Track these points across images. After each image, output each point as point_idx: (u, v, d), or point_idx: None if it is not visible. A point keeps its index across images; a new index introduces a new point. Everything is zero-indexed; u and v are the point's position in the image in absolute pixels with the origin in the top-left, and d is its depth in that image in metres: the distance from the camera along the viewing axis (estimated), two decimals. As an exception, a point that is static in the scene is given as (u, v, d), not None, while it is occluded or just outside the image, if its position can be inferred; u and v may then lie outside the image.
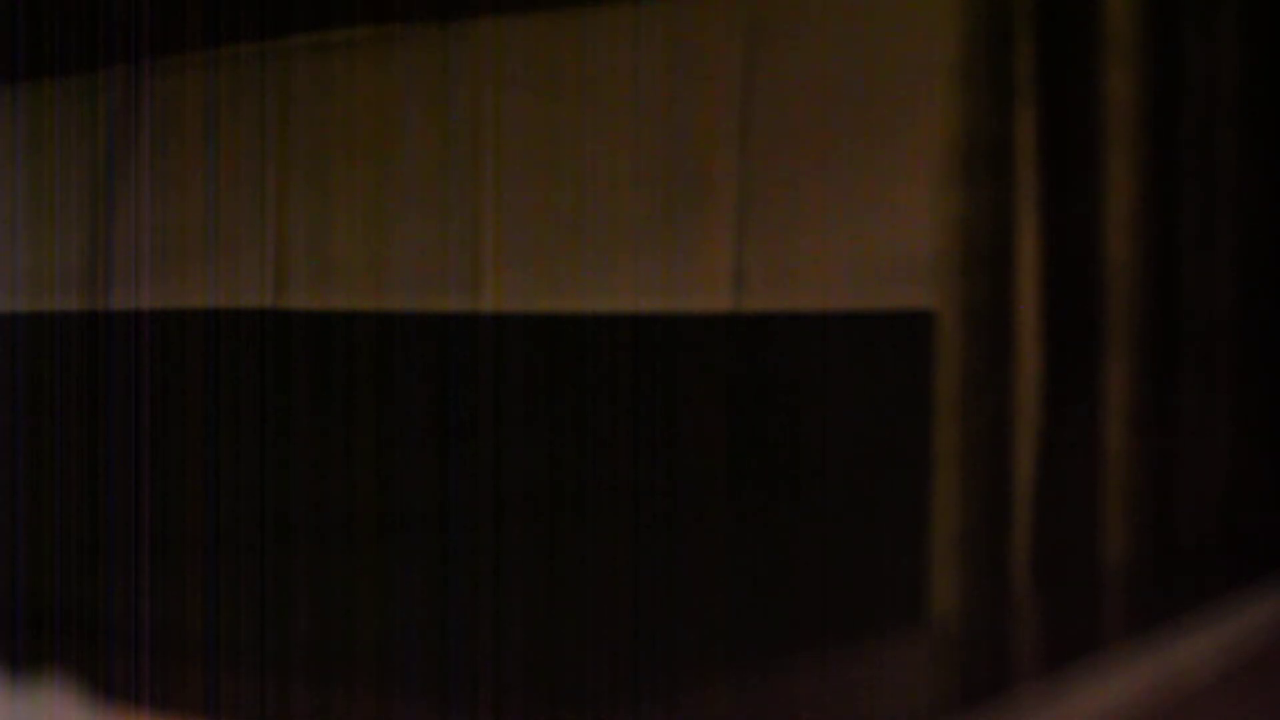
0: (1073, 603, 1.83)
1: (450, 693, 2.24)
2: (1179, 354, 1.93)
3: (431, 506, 2.30)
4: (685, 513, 2.10)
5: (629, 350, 2.15)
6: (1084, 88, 1.88)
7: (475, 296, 2.29)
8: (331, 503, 2.41)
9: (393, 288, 2.36)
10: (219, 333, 2.53)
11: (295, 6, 2.49)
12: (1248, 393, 2.00)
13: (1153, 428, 1.89)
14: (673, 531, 2.10)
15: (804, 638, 1.97)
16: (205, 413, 2.53)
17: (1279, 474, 2.03)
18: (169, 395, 2.57)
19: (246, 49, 2.53)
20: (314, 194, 2.45)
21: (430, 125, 2.33)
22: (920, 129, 1.93)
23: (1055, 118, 1.89)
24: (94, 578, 2.62)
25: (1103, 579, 1.86)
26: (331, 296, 2.43)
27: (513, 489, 2.24)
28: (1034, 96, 1.89)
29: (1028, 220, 1.89)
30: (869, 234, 1.99)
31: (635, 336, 2.15)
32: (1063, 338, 1.89)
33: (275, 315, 2.48)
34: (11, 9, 2.78)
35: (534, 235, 2.24)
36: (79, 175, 2.72)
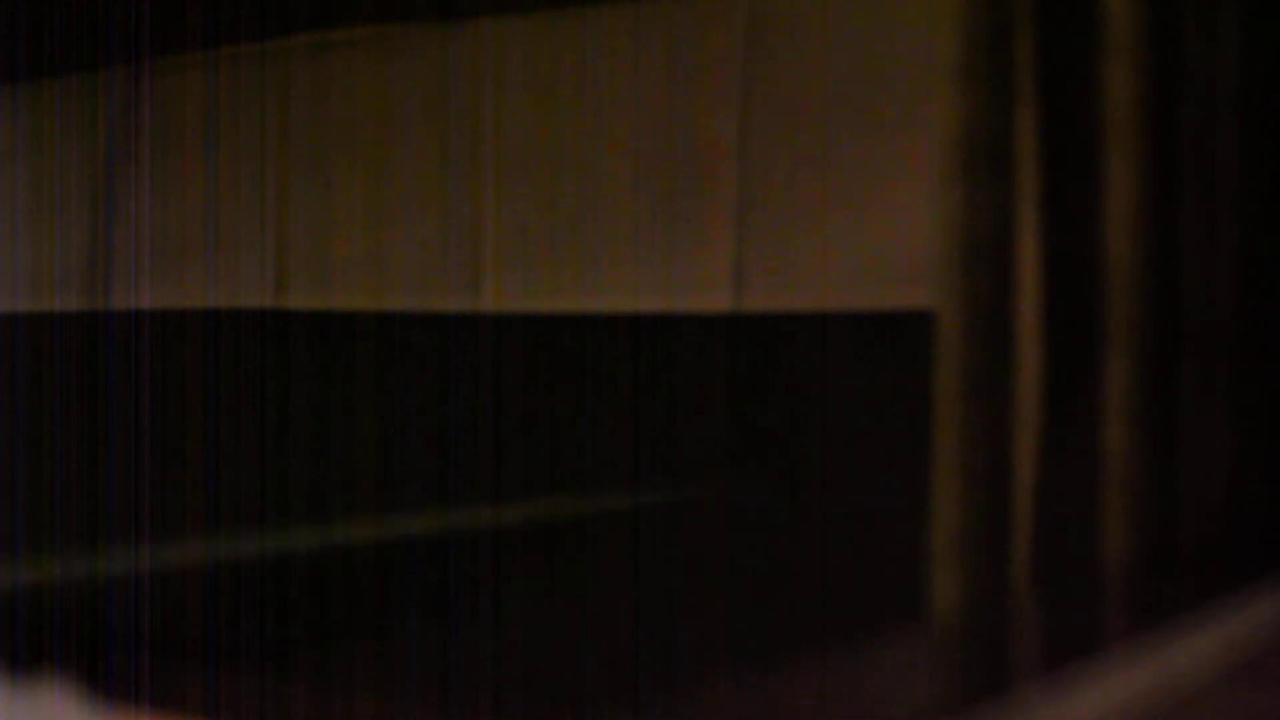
0: (1073, 602, 1.83)
1: (450, 693, 2.24)
2: (1179, 353, 1.93)
3: (432, 505, 2.30)
4: (685, 512, 2.09)
5: (629, 350, 2.15)
6: (1084, 87, 1.88)
7: (475, 296, 2.28)
8: (332, 502, 2.41)
9: (393, 288, 2.36)
10: (219, 333, 2.53)
11: (295, 6, 2.49)
12: (1248, 392, 2.00)
13: (1153, 427, 1.89)
14: (672, 530, 2.10)
15: (804, 637, 1.97)
16: (205, 412, 2.53)
17: (1279, 474, 2.03)
18: (169, 395, 2.57)
19: (246, 49, 2.53)
20: (314, 194, 2.45)
21: (430, 125, 2.33)
22: (920, 128, 1.93)
23: (1055, 117, 1.89)
24: (94, 577, 2.62)
25: (1103, 579, 1.85)
26: (331, 296, 2.43)
27: (513, 488, 2.24)
28: (1034, 96, 1.89)
29: (1028, 220, 1.89)
30: (869, 234, 1.99)
31: (635, 336, 2.15)
32: (1063, 338, 1.89)
33: (275, 315, 2.48)
34: (11, 9, 2.78)
35: (534, 235, 2.24)
36: (79, 175, 2.72)
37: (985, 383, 1.89)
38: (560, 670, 2.17)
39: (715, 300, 2.09)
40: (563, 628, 2.17)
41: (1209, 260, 1.96)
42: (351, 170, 2.41)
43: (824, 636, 1.96)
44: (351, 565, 2.38)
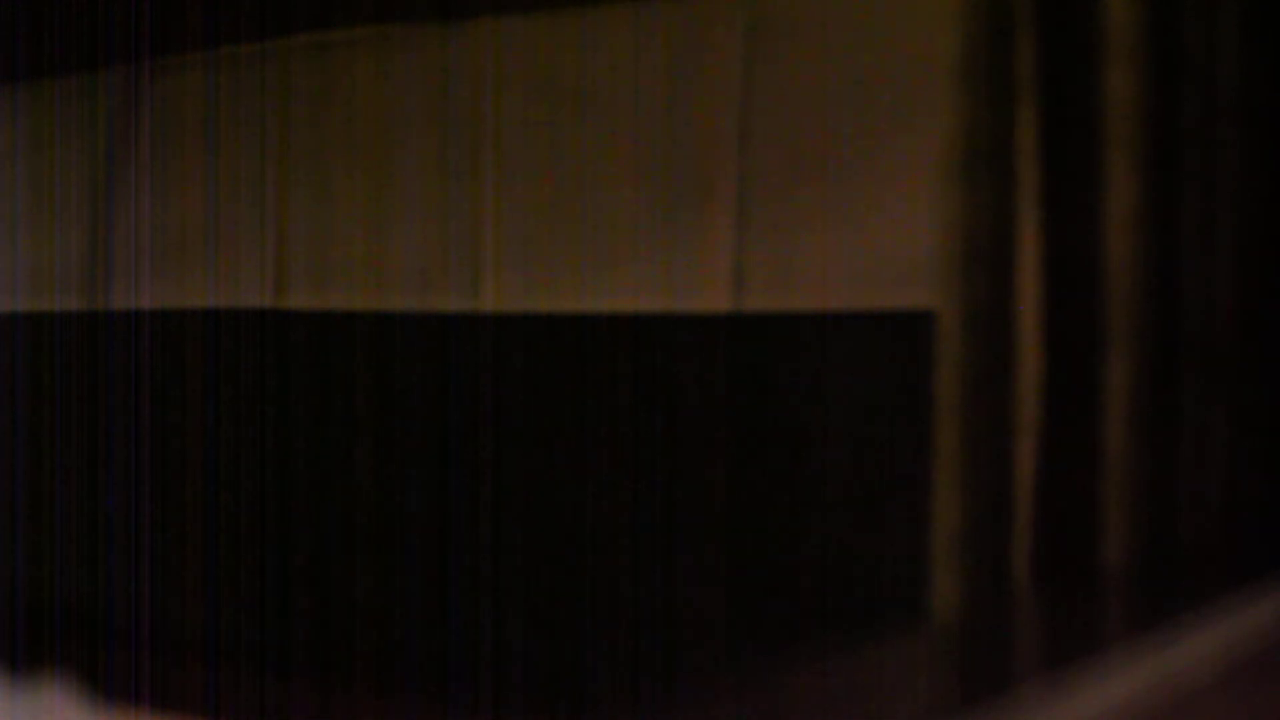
0: (1073, 603, 1.83)
1: (450, 693, 2.24)
2: (1179, 354, 1.93)
3: (431, 506, 2.30)
4: (685, 512, 2.09)
5: (629, 350, 2.15)
6: (1084, 87, 1.88)
7: (475, 296, 2.29)
8: (331, 502, 2.41)
9: (393, 288, 2.36)
10: (219, 333, 2.53)
11: (295, 6, 2.49)
12: (1248, 393, 2.00)
13: (1153, 428, 1.89)
14: (672, 531, 2.10)
15: (804, 636, 1.97)
16: (205, 413, 2.53)
17: (1279, 474, 2.03)
18: (169, 395, 2.57)
19: (246, 49, 2.53)
20: (314, 194, 2.45)
21: (430, 125, 2.34)
22: (920, 129, 1.93)
23: (1055, 117, 1.89)
24: (94, 577, 2.62)
25: (1103, 579, 1.86)
26: (331, 296, 2.43)
27: (513, 489, 2.24)
28: (1034, 96, 1.89)
29: (1028, 220, 1.89)
30: (869, 234, 1.99)
31: (635, 336, 2.15)
32: (1063, 338, 1.89)
33: (275, 315, 2.48)
34: (11, 9, 2.78)
35: (534, 235, 2.24)
36: (79, 175, 2.72)
37: (985, 383, 1.89)
38: (560, 670, 2.17)
39: (715, 300, 2.09)
40: (563, 627, 2.17)
41: (1209, 261, 1.96)
42: (351, 170, 2.41)
43: (824, 636, 1.96)
44: (351, 564, 2.38)
